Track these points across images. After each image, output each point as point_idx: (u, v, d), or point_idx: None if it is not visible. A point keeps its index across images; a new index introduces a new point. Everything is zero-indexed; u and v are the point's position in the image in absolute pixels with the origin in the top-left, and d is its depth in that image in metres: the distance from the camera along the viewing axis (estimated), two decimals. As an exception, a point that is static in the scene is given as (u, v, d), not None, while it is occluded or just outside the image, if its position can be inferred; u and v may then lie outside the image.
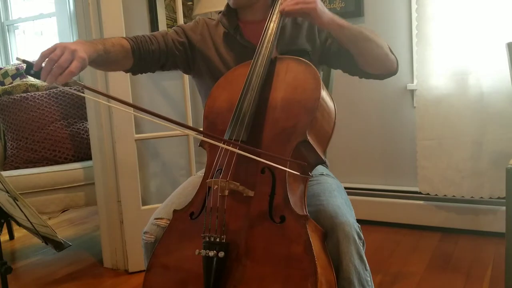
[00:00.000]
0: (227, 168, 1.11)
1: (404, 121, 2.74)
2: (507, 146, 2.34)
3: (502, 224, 1.83)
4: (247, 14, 1.43)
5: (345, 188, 1.40)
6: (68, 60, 1.02)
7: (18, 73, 2.88)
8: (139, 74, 1.43)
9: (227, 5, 1.43)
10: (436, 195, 2.57)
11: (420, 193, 2.62)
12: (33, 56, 4.22)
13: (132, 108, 1.10)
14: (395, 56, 1.36)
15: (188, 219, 1.15)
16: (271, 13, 1.30)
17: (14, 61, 4.29)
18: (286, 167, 1.04)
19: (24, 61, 1.02)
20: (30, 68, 1.02)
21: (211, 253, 1.02)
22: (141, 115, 1.08)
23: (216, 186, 1.08)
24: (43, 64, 1.02)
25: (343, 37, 1.26)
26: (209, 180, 1.12)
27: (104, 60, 1.21)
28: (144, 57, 1.35)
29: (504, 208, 1.78)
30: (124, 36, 2.11)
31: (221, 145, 1.09)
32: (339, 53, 1.38)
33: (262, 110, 1.16)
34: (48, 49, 1.03)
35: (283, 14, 1.19)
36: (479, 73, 2.37)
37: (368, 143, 2.87)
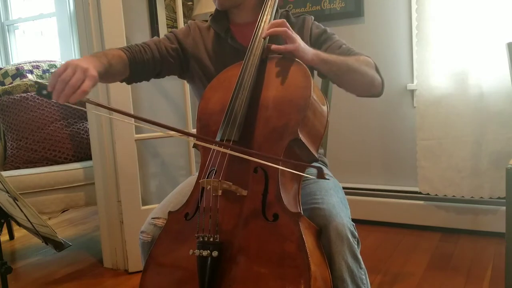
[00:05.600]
0: (219, 168, 1.11)
1: (404, 121, 2.74)
2: (507, 146, 2.33)
3: (502, 224, 1.82)
4: (236, 16, 1.43)
5: (345, 188, 1.40)
6: (80, 80, 1.01)
7: (18, 73, 2.89)
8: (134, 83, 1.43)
9: (217, 8, 1.43)
10: (436, 195, 2.56)
11: (420, 193, 2.61)
12: (32, 56, 4.23)
13: (133, 119, 1.07)
14: (381, 78, 1.36)
15: (183, 220, 1.15)
16: (261, 13, 1.30)
17: (14, 61, 4.30)
18: (279, 165, 1.04)
19: (36, 82, 1.00)
20: (42, 89, 1.01)
21: (205, 253, 1.02)
22: (140, 125, 1.07)
23: (209, 186, 1.09)
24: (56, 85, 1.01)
25: (328, 71, 1.26)
26: (201, 180, 1.12)
27: (108, 73, 1.21)
28: (139, 67, 1.35)
29: (504, 208, 1.78)
30: (124, 40, 2.12)
31: (212, 146, 1.09)
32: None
33: (254, 109, 1.16)
34: (60, 69, 1.02)
35: (269, 50, 1.19)
36: (479, 73, 2.36)
37: (368, 143, 2.87)
